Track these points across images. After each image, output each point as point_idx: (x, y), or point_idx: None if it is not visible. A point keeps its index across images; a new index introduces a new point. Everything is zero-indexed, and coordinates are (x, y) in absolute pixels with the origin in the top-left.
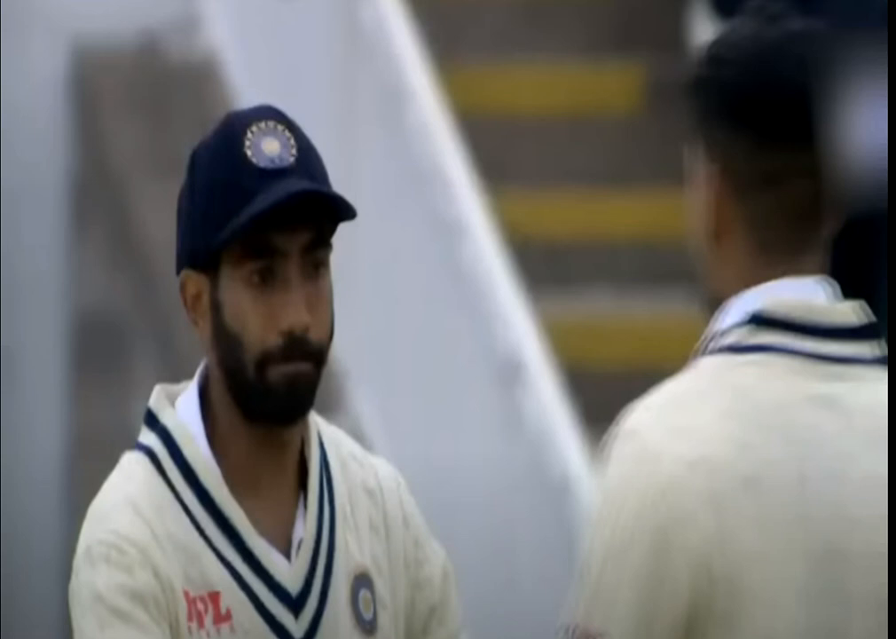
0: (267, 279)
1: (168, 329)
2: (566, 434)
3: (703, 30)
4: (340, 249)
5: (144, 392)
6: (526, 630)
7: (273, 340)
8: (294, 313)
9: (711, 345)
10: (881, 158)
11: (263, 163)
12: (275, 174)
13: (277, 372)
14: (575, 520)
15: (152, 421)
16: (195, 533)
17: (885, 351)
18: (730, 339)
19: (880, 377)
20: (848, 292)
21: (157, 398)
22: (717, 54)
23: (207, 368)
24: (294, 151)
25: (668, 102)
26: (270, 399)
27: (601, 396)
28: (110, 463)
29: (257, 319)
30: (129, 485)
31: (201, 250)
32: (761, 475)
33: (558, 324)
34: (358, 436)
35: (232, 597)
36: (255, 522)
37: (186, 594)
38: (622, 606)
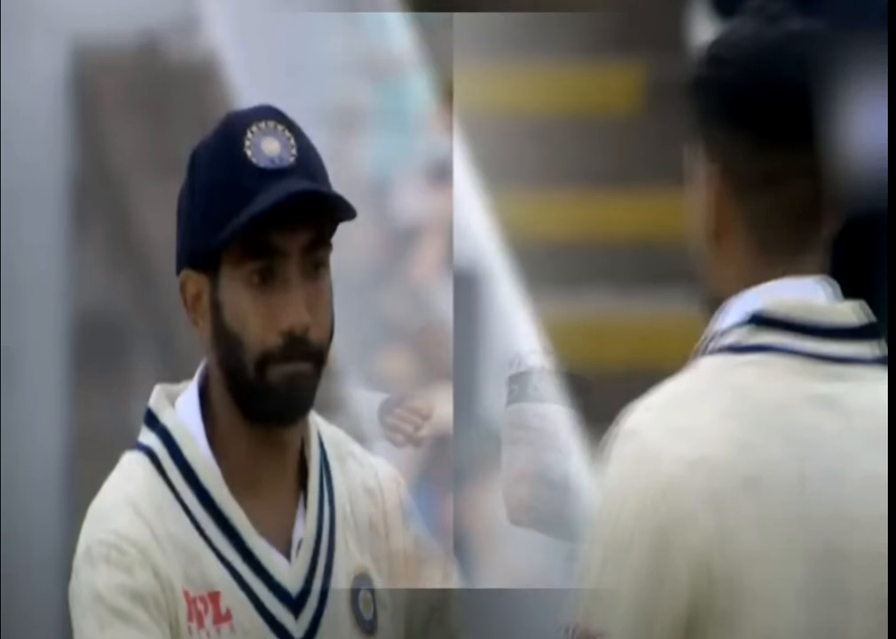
0: (267, 279)
1: (169, 329)
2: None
3: (703, 30)
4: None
5: (144, 392)
6: (526, 630)
7: (273, 340)
8: (294, 313)
9: (711, 345)
10: (881, 158)
11: (263, 163)
12: (275, 174)
13: (277, 372)
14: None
15: (152, 421)
16: (195, 533)
17: (885, 351)
18: (730, 339)
19: (880, 377)
20: (848, 292)
21: (157, 398)
22: (717, 54)
23: (207, 368)
24: (294, 151)
25: (668, 102)
26: (270, 399)
27: (601, 396)
28: (110, 463)
29: (257, 319)
30: (129, 485)
31: (201, 250)
32: (761, 475)
33: (558, 324)
34: (358, 436)
35: (232, 597)
36: (255, 522)
37: (186, 594)
38: (622, 606)
